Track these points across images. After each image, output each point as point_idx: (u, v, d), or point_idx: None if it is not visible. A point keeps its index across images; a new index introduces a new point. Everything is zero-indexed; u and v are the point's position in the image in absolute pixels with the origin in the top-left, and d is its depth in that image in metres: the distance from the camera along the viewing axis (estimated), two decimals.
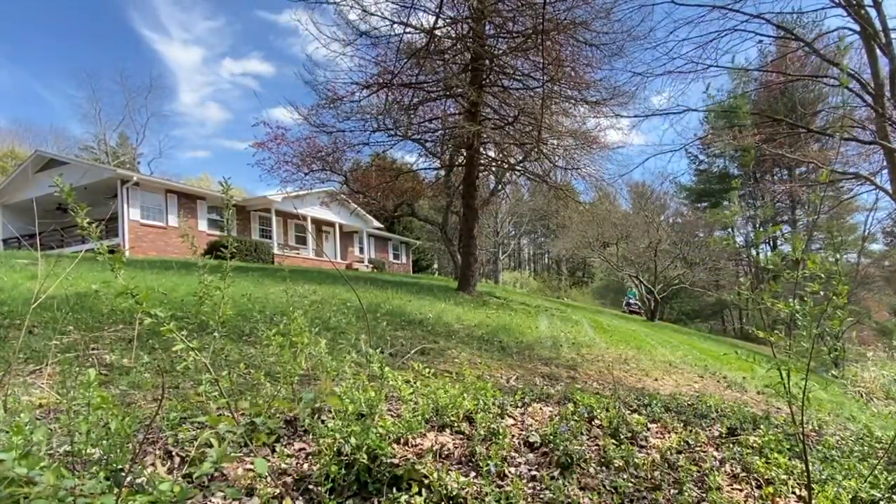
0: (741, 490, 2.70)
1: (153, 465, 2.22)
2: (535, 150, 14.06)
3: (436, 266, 45.92)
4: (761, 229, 39.10)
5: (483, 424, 2.92)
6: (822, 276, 2.06)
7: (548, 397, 3.96)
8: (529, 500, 2.35)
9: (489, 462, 2.53)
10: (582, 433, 3.06)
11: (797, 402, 2.14)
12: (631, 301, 29.40)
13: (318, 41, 12.65)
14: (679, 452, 3.03)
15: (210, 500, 2.00)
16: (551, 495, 2.36)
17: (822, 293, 2.11)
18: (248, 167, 44.00)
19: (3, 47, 61.63)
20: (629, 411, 3.74)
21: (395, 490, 2.19)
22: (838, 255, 2.07)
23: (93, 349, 4.14)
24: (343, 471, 2.19)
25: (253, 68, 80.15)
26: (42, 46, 64.47)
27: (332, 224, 27.80)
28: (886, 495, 2.48)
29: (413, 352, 5.32)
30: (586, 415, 3.43)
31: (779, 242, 40.90)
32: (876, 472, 2.67)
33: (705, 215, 35.70)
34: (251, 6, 75.87)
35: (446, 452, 2.68)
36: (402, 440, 2.65)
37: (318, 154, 15.52)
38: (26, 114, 72.85)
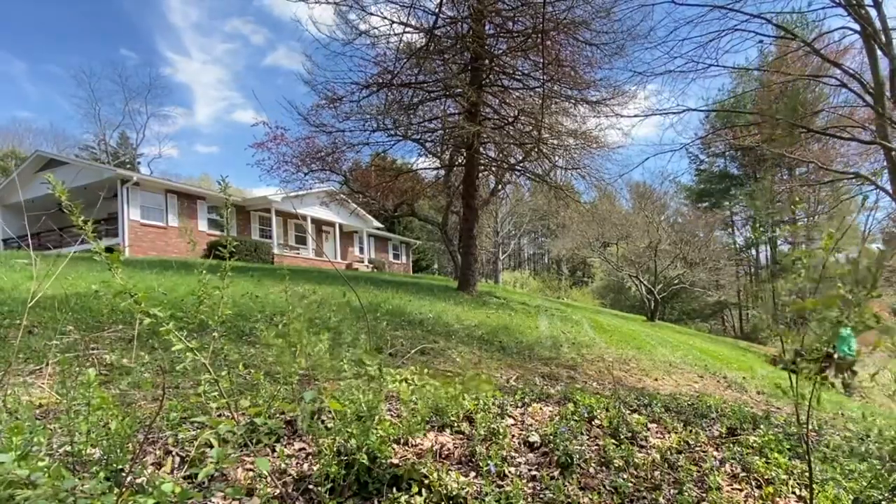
0: (741, 490, 2.70)
1: (155, 464, 2.22)
2: (535, 149, 14.06)
3: (436, 266, 45.92)
4: (772, 228, 39.02)
5: (483, 424, 2.92)
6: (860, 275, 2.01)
7: (548, 397, 3.96)
8: (529, 499, 2.35)
9: (489, 462, 2.53)
10: (582, 433, 3.06)
11: (805, 402, 2.13)
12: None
13: (317, 41, 12.60)
14: (679, 452, 3.03)
15: (210, 501, 2.00)
16: (551, 495, 2.36)
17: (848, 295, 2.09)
18: (247, 167, 44.09)
19: (28, 63, 63.13)
20: (629, 411, 3.74)
21: (395, 490, 2.18)
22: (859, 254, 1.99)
23: (93, 349, 4.14)
24: (343, 471, 2.19)
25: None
26: (65, 65, 65.50)
27: (331, 224, 27.79)
28: (888, 496, 2.47)
29: (413, 352, 5.32)
30: (586, 415, 3.43)
31: (778, 242, 40.88)
32: (877, 472, 2.66)
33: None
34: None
35: (446, 452, 2.67)
36: (402, 440, 2.65)
37: (317, 154, 15.52)
38: (33, 116, 73.68)
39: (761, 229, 36.52)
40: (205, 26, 77.02)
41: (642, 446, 3.12)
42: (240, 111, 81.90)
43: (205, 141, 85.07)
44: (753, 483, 2.76)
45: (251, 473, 2.22)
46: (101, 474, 1.73)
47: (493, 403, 3.33)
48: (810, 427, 3.94)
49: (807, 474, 2.39)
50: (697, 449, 3.15)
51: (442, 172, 17.64)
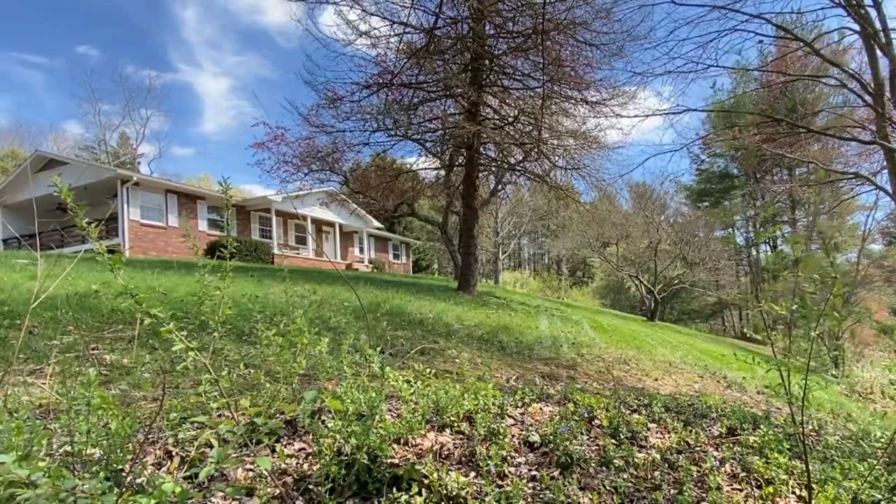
0: (741, 490, 2.70)
1: (155, 464, 2.22)
2: (535, 150, 14.06)
3: (436, 266, 45.91)
4: (761, 229, 39.07)
5: (483, 424, 2.92)
6: (818, 276, 2.07)
7: (548, 397, 3.96)
8: (529, 500, 2.35)
9: (489, 462, 2.53)
10: (582, 433, 3.06)
11: (797, 402, 2.14)
12: None
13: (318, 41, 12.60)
14: (679, 452, 3.03)
15: (210, 501, 2.00)
16: (551, 495, 2.36)
17: (815, 294, 2.12)
18: (247, 167, 44.03)
19: (29, 65, 63.24)
20: (629, 411, 3.74)
21: (395, 490, 2.19)
22: (833, 258, 2.06)
23: (93, 349, 4.14)
24: (343, 471, 2.19)
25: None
26: (64, 64, 65.42)
27: (331, 224, 27.78)
28: (887, 496, 2.47)
29: (413, 352, 5.32)
30: (586, 415, 3.43)
31: (779, 242, 40.88)
32: (875, 472, 2.66)
33: (706, 214, 35.58)
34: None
35: (446, 452, 2.68)
36: (402, 440, 2.65)
37: (317, 154, 15.51)
38: (32, 115, 73.79)
39: (762, 230, 36.53)
40: (208, 33, 77.13)
41: (642, 446, 3.12)
42: (239, 113, 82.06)
43: (204, 141, 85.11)
44: (753, 483, 2.76)
45: (251, 473, 2.22)
46: (102, 474, 1.73)
47: (493, 403, 3.33)
48: (810, 427, 3.94)
49: (807, 474, 2.39)
50: (697, 449, 3.15)
51: (442, 172, 17.64)
